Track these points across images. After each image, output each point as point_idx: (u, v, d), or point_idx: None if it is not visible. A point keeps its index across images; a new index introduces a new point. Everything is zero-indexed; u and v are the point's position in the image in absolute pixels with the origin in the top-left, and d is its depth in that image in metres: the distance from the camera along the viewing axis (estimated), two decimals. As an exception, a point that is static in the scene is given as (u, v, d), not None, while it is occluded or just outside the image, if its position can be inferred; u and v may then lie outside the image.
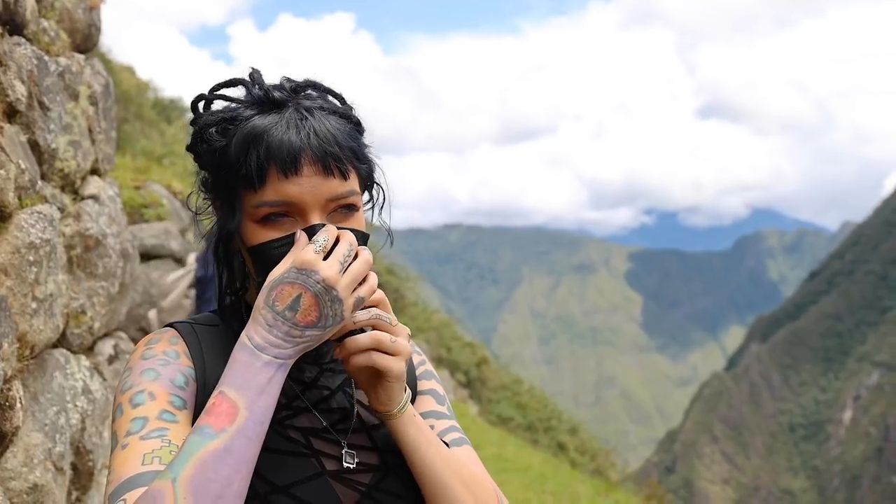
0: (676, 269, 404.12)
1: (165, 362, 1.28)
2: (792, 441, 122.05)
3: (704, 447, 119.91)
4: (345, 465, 1.31)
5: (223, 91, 1.37)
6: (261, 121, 1.28)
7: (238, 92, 1.36)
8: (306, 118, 1.28)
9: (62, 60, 3.16)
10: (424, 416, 1.44)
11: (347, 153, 1.30)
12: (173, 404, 1.24)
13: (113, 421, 1.24)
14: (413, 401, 1.47)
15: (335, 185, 1.27)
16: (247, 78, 1.35)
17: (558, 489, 10.51)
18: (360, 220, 1.33)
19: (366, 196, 1.41)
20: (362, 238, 1.31)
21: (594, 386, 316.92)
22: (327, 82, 1.38)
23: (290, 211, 1.27)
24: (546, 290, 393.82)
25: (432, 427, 1.43)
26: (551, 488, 10.42)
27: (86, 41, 3.56)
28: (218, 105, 1.37)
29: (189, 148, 1.37)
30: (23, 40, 2.80)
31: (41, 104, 2.89)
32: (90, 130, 3.42)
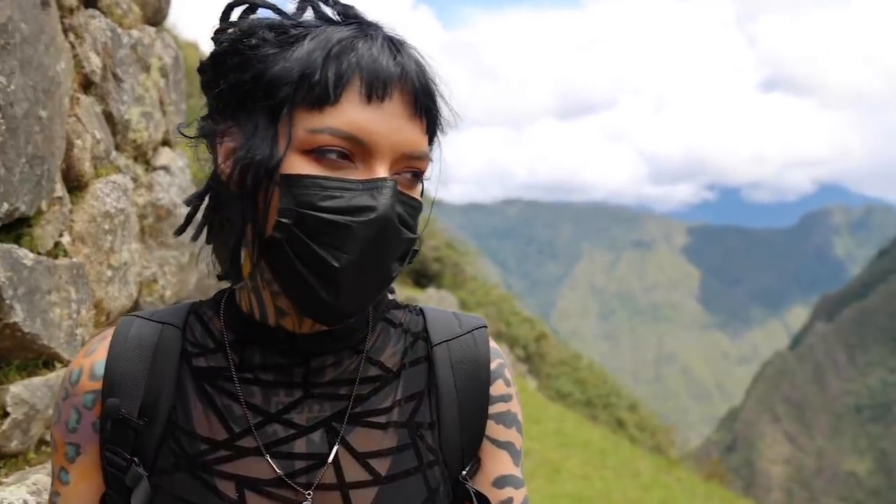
0: (738, 246, 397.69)
1: (66, 394, 1.06)
2: (858, 422, 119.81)
3: (766, 427, 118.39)
4: None
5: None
6: (340, 32, 0.97)
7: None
8: (401, 44, 1.00)
9: (134, 33, 3.20)
10: (498, 483, 1.09)
11: (438, 104, 1.01)
12: (67, 456, 1.05)
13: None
14: (476, 451, 1.09)
15: (417, 137, 0.97)
16: None
17: (619, 465, 10.48)
18: (419, 192, 1.03)
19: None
20: (418, 209, 1.01)
21: (654, 362, 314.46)
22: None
23: (355, 152, 0.94)
24: (606, 265, 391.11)
25: (510, 501, 1.09)
26: (612, 464, 10.40)
27: (156, 14, 3.60)
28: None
29: (211, 60, 1.02)
30: (97, 13, 2.85)
31: (115, 76, 2.93)
32: (161, 102, 3.46)
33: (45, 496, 2.05)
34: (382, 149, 0.94)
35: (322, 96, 0.93)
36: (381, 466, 1.01)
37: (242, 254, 1.01)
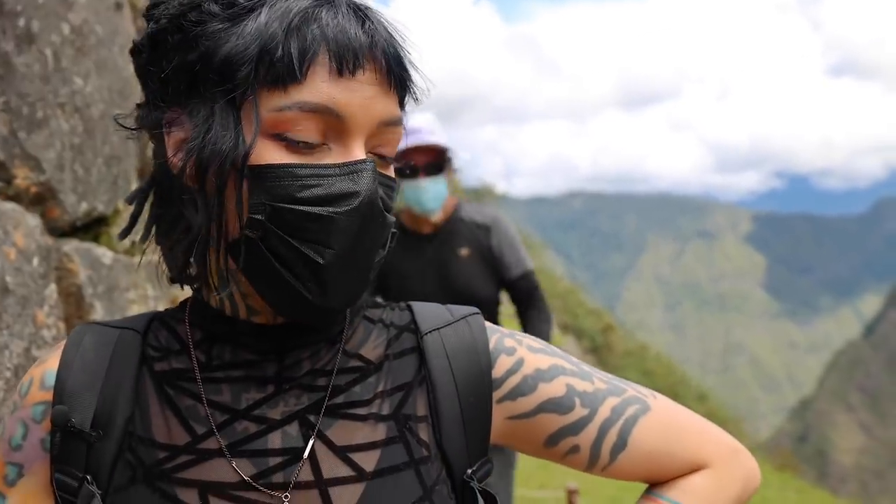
0: (808, 234, 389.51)
1: (13, 407, 0.93)
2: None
3: (839, 416, 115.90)
4: None
5: None
6: (299, 1, 0.84)
7: None
8: (366, 10, 0.87)
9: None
10: (554, 438, 0.96)
11: (412, 72, 0.90)
12: (7, 479, 0.92)
13: None
14: (486, 448, 0.96)
15: (393, 109, 0.87)
16: None
17: (690, 457, 10.36)
18: (391, 169, 0.91)
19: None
20: (395, 189, 0.91)
21: (722, 353, 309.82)
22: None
23: (328, 130, 0.84)
24: (671, 256, 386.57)
25: (577, 448, 0.97)
26: (682, 456, 10.28)
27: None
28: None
29: (148, 40, 0.88)
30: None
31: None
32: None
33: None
34: (357, 124, 0.84)
35: (286, 74, 0.81)
36: (367, 461, 0.88)
37: (210, 255, 0.88)
